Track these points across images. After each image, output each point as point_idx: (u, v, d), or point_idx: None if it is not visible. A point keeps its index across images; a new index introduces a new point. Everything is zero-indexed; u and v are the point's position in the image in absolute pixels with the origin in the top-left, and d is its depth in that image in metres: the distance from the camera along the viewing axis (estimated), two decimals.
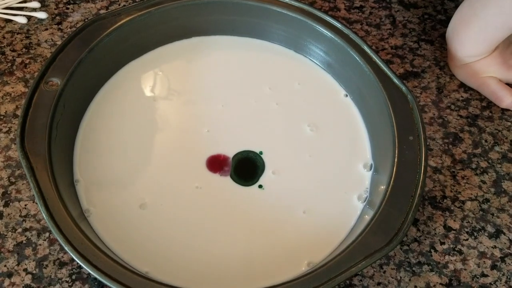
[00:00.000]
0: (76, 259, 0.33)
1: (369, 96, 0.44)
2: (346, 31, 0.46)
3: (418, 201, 0.37)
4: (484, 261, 0.41)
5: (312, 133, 0.45)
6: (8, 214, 0.41)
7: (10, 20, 0.53)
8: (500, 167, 0.46)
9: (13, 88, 0.48)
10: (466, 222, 0.42)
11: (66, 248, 0.33)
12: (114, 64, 0.47)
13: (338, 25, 0.46)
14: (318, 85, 0.48)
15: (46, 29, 0.53)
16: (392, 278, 0.39)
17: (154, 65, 0.48)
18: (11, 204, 0.41)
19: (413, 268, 0.40)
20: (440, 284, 0.39)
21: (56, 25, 0.53)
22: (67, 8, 0.55)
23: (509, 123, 0.48)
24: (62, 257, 0.39)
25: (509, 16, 0.43)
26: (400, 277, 0.39)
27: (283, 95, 0.47)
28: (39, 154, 0.37)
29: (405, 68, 0.52)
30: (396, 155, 0.39)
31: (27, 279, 0.38)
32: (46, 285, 0.38)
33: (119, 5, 0.56)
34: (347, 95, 0.47)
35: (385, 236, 0.35)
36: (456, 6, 0.51)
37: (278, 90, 0.48)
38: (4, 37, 0.52)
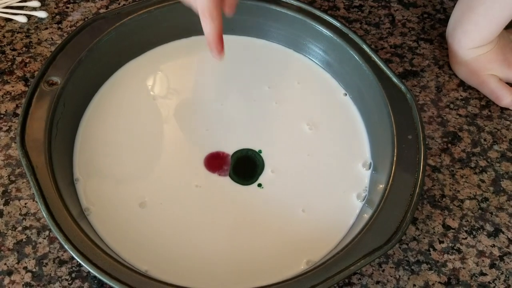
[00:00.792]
0: (75, 257, 0.33)
1: (368, 95, 0.44)
2: (345, 30, 0.46)
3: (417, 200, 0.37)
4: (483, 260, 0.41)
5: (311, 131, 0.45)
6: (8, 213, 0.41)
7: (10, 19, 0.53)
8: (499, 166, 0.46)
9: (13, 87, 0.48)
10: (465, 221, 0.42)
11: (66, 247, 0.34)
12: (114, 63, 0.47)
13: (338, 24, 0.46)
14: (318, 84, 0.48)
15: (46, 28, 0.53)
16: (391, 276, 0.39)
17: (154, 64, 0.49)
18: (11, 202, 0.42)
19: (412, 267, 0.40)
20: (439, 282, 0.39)
21: (56, 24, 0.53)
22: (67, 7, 0.55)
23: (508, 122, 0.48)
24: (62, 255, 0.39)
25: None
26: (399, 276, 0.40)
27: (282, 94, 0.47)
28: (39, 153, 0.37)
29: (404, 67, 0.52)
30: (395, 154, 0.39)
31: (27, 277, 0.38)
32: (46, 283, 0.38)
33: (119, 4, 0.56)
34: (346, 94, 0.47)
35: (384, 234, 0.35)
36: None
37: (277, 89, 0.48)
38: (4, 36, 0.52)
